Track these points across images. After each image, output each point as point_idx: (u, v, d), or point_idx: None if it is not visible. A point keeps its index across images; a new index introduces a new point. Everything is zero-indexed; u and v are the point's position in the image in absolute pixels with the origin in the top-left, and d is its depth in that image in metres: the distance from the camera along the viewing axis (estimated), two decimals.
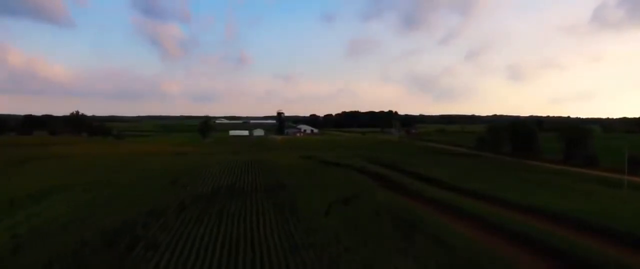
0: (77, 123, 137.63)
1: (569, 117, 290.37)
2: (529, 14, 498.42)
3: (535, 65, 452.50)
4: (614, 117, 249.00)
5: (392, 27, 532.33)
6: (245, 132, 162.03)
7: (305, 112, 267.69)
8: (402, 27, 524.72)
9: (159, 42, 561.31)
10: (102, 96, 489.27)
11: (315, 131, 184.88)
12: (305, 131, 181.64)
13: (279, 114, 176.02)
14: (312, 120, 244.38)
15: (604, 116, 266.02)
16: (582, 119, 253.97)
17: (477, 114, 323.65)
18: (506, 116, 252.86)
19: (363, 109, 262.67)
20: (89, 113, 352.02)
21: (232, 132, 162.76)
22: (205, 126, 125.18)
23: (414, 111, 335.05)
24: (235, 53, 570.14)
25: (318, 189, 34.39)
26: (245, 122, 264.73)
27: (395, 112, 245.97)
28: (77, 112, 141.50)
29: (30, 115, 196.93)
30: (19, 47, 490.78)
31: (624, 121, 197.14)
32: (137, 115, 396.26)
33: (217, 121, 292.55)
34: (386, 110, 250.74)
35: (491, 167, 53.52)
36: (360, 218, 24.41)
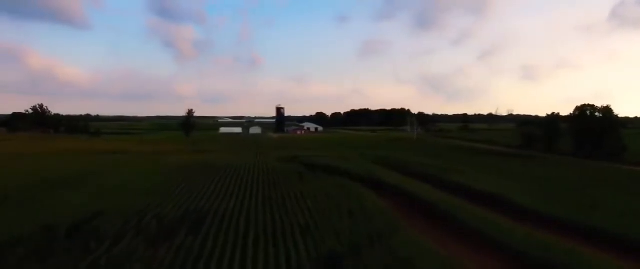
0: (38, 120, 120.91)
1: None
2: (544, 14, 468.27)
3: (550, 65, 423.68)
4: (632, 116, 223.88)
5: (405, 27, 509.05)
6: (238, 130, 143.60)
7: (314, 112, 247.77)
8: (415, 28, 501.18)
9: (174, 44, 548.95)
10: (117, 97, 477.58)
11: (320, 128, 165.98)
12: (308, 128, 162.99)
13: (279, 110, 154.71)
14: (319, 118, 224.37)
15: (626, 116, 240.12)
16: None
17: (494, 113, 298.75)
18: (524, 115, 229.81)
19: (374, 108, 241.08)
20: (102, 114, 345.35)
21: (223, 130, 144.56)
22: (187, 123, 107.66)
23: (427, 110, 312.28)
24: (248, 54, 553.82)
25: (270, 230, 15.79)
26: (248, 121, 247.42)
27: (409, 111, 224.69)
28: (41, 106, 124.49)
29: (18, 113, 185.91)
30: (36, 49, 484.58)
31: None
32: (146, 115, 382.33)
33: (220, 120, 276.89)
34: (398, 108, 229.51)
35: (580, 175, 33.88)
36: None
